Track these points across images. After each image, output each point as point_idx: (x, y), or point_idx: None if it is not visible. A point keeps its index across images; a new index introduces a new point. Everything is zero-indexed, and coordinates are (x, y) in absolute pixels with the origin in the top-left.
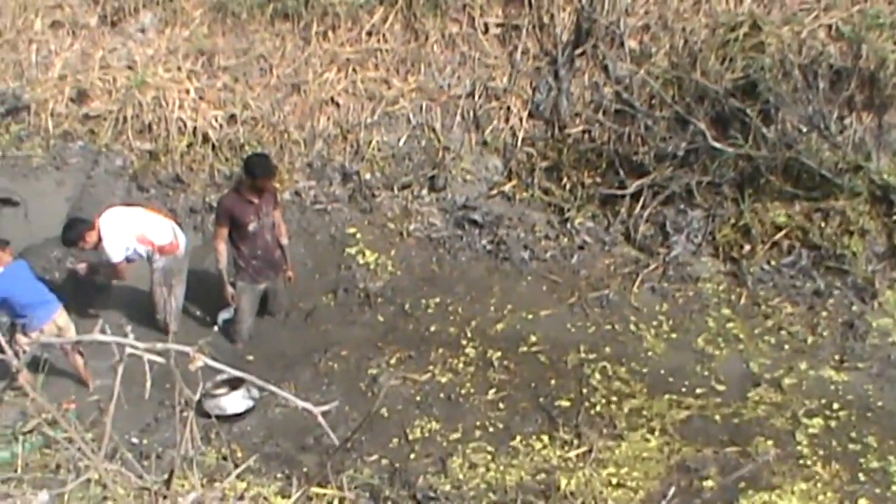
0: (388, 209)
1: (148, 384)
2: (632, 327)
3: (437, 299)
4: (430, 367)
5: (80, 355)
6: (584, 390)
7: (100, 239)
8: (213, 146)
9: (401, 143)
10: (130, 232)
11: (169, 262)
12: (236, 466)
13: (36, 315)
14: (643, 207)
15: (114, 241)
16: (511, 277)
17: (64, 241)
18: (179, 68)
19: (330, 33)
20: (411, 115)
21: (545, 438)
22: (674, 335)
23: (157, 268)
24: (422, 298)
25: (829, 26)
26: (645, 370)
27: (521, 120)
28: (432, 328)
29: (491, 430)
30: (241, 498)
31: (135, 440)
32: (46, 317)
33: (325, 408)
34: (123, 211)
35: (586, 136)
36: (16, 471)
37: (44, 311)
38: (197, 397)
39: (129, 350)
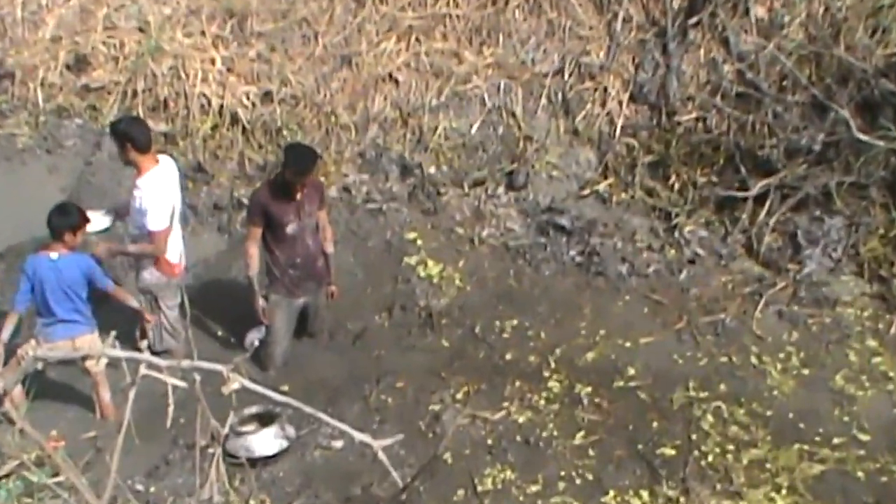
0: (457, 210)
1: (170, 411)
2: (753, 360)
3: (515, 321)
4: (505, 404)
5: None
6: (694, 436)
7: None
8: (244, 129)
9: (473, 131)
10: (172, 196)
11: (162, 283)
12: None
13: (54, 328)
14: (769, 213)
15: (158, 200)
16: (605, 296)
17: (51, 226)
18: (203, 33)
19: None
20: (486, 97)
21: (644, 494)
22: (805, 371)
23: (144, 285)
24: (496, 320)
25: None
26: (769, 413)
27: (620, 104)
28: (508, 356)
29: (578, 481)
30: None
31: (140, 486)
32: (65, 334)
33: (387, 442)
34: (172, 166)
35: (700, 124)
36: None
37: (65, 328)
38: (224, 432)
39: (144, 370)
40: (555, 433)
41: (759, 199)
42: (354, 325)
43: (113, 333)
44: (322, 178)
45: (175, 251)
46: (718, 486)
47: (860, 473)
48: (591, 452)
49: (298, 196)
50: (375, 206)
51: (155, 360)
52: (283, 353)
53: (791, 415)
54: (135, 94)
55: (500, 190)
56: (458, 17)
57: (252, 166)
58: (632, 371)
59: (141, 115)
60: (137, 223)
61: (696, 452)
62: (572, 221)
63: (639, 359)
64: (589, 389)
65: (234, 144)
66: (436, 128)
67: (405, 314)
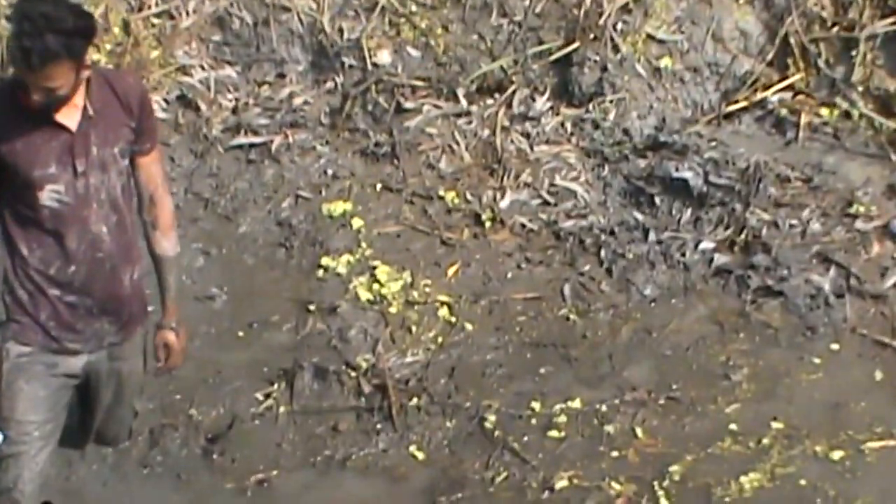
0: (441, 151)
1: None
2: None
3: (575, 402)
4: None
5: None
6: None
7: None
8: None
9: None
10: None
11: None
12: None
13: None
14: None
15: None
16: (784, 343)
17: None
18: None
19: None
20: None
21: None
22: None
23: None
24: (531, 399)
25: None
26: None
27: None
28: (561, 481)
29: None
30: None
31: None
32: None
33: None
34: None
35: None
36: None
37: None
38: None
39: None
40: None
41: None
42: (209, 415)
43: None
44: (142, 76)
45: None
46: None
47: None
48: None
49: (71, 119)
50: (257, 141)
51: None
52: (38, 479)
53: None
54: None
55: (541, 103)
56: None
57: None
58: None
59: None
60: None
61: None
62: (705, 173)
63: (865, 486)
64: None
65: None
66: None
67: (324, 386)
